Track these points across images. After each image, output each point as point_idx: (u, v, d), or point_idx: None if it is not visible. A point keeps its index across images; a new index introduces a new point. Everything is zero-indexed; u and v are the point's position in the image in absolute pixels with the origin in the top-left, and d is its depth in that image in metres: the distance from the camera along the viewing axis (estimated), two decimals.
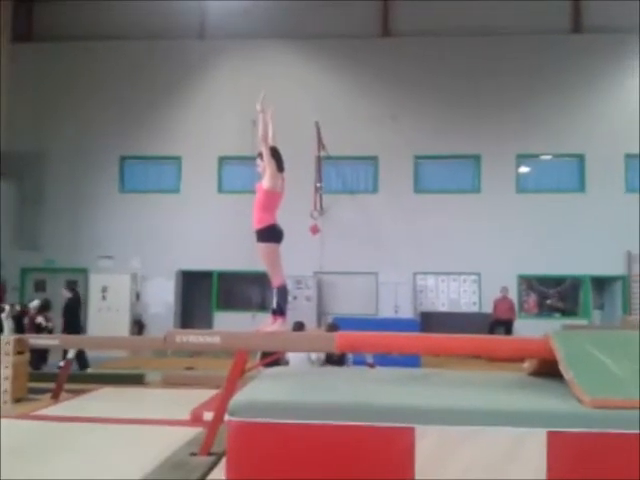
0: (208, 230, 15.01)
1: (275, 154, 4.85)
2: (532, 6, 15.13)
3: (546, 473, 2.81)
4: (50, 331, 11.05)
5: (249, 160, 15.14)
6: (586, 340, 3.51)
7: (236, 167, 15.57)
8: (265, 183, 4.74)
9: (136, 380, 9.48)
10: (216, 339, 4.41)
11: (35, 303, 11.57)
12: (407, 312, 14.37)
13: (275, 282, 4.72)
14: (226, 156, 15.55)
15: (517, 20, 15.20)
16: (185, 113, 15.71)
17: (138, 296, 15.21)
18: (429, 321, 13.73)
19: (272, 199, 4.75)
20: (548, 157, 15.44)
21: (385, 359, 7.22)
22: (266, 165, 4.76)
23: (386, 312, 14.42)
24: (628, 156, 14.79)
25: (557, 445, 2.82)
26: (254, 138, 15.00)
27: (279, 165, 4.82)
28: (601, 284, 15.52)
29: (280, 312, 4.63)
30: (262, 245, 4.68)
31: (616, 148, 14.74)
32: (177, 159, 15.67)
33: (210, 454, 4.68)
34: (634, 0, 14.54)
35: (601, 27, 15.05)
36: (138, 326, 14.93)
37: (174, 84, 15.73)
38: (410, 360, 9.46)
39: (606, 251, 14.40)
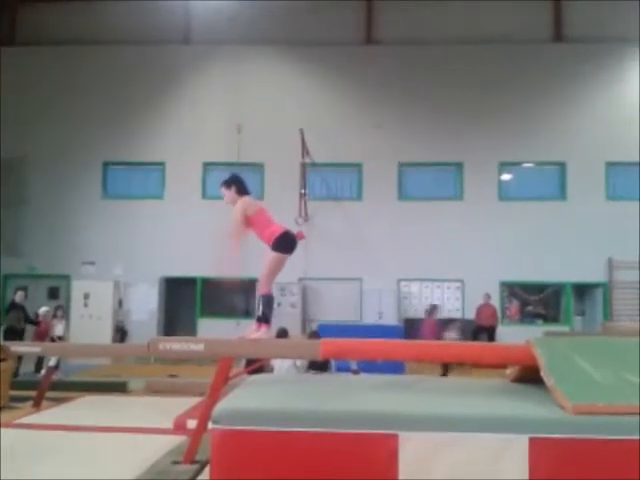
0: (192, 236, 14.94)
1: (236, 181, 4.82)
2: (514, 15, 15.35)
3: (528, 479, 2.84)
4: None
5: (234, 166, 15.23)
6: (567, 346, 3.54)
7: (220, 173, 15.39)
8: (238, 217, 4.70)
9: (118, 388, 9.41)
10: (200, 346, 4.38)
11: (44, 309, 11.59)
12: (391, 318, 14.40)
13: (263, 289, 4.69)
14: (210, 162, 15.53)
15: (499, 29, 15.39)
16: (169, 119, 15.68)
17: (121, 303, 15.09)
18: (413, 327, 13.76)
19: (260, 217, 4.72)
20: (530, 165, 15.62)
21: (369, 365, 7.24)
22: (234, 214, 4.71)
23: (370, 318, 14.45)
24: (609, 164, 15.02)
25: (539, 451, 2.84)
26: (239, 144, 15.16)
27: (244, 189, 4.80)
28: (582, 291, 15.70)
29: (265, 320, 4.61)
30: (273, 253, 4.65)
31: (597, 156, 14.96)
32: (161, 165, 15.62)
33: (193, 462, 4.65)
34: (615, 11, 14.82)
35: (582, 37, 15.30)
36: (120, 333, 14.80)
37: (158, 89, 15.69)
38: (394, 366, 9.48)
39: (587, 258, 14.58)
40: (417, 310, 15.13)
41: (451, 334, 10.77)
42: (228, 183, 4.83)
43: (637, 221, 14.30)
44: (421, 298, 15.24)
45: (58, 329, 11.76)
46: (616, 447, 2.83)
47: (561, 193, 15.23)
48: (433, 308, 12.55)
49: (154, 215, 15.31)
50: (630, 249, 14.36)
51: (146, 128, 15.66)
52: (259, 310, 4.65)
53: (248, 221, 4.69)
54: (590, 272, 14.76)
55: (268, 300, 4.68)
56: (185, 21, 16.06)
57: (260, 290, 4.73)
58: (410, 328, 13.59)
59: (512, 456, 2.83)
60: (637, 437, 2.82)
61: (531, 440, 2.84)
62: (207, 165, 15.59)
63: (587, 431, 2.85)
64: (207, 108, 15.58)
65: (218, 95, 15.62)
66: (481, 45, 15.36)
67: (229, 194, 4.79)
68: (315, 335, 7.60)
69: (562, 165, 15.23)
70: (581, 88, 15.25)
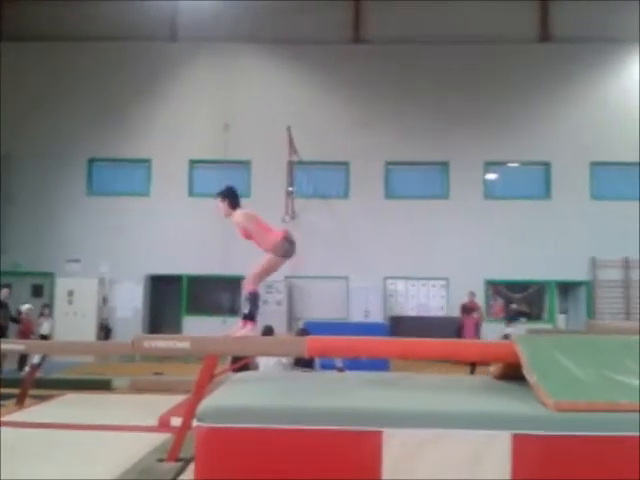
0: (178, 234, 14.89)
1: (230, 194, 4.85)
2: (501, 15, 15.42)
3: (510, 475, 2.87)
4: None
5: (220, 164, 15.20)
6: (550, 344, 3.58)
7: (207, 170, 15.51)
8: (236, 222, 4.75)
9: (103, 386, 9.36)
10: (185, 344, 4.38)
11: (27, 306, 11.47)
12: (377, 316, 14.45)
13: (250, 287, 4.70)
14: (197, 159, 15.47)
15: (486, 29, 15.45)
16: (155, 115, 15.59)
17: (105, 300, 14.99)
18: (398, 325, 13.83)
19: (259, 227, 4.71)
20: (515, 164, 15.73)
21: (354, 363, 7.26)
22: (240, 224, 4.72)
23: (357, 316, 14.48)
24: (593, 164, 15.16)
25: (521, 447, 2.87)
26: (226, 142, 15.11)
27: (237, 203, 4.84)
28: (566, 289, 15.85)
29: (251, 318, 4.61)
30: (271, 255, 4.65)
31: (581, 156, 15.09)
32: (147, 162, 15.53)
33: (178, 460, 4.65)
34: (601, 11, 14.97)
35: (568, 37, 15.42)
36: (105, 331, 14.71)
37: (144, 86, 15.59)
38: (379, 364, 9.51)
39: (571, 257, 14.72)
40: (403, 308, 15.22)
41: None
42: (223, 195, 4.84)
43: (620, 220, 14.47)
44: (407, 296, 15.31)
45: (44, 327, 11.67)
46: (597, 444, 2.87)
47: (546, 192, 15.36)
48: (473, 308, 12.45)
49: (140, 212, 15.22)
50: (613, 248, 14.55)
51: (132, 125, 15.55)
52: (246, 308, 4.65)
53: (248, 233, 4.71)
54: (574, 271, 14.90)
55: (255, 298, 4.69)
56: (171, 18, 15.95)
57: (247, 288, 4.73)
58: (396, 326, 13.65)
59: (495, 452, 2.86)
60: (618, 434, 2.86)
61: (513, 436, 2.87)
62: (193, 162, 15.53)
63: (568, 428, 2.88)
64: (194, 105, 15.51)
65: (205, 92, 15.56)
66: (468, 45, 15.42)
67: (223, 206, 4.84)
68: (304, 332, 7.59)
69: (547, 165, 15.35)
70: (566, 88, 15.38)
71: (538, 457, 2.88)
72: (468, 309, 12.67)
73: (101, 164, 15.74)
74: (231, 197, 4.84)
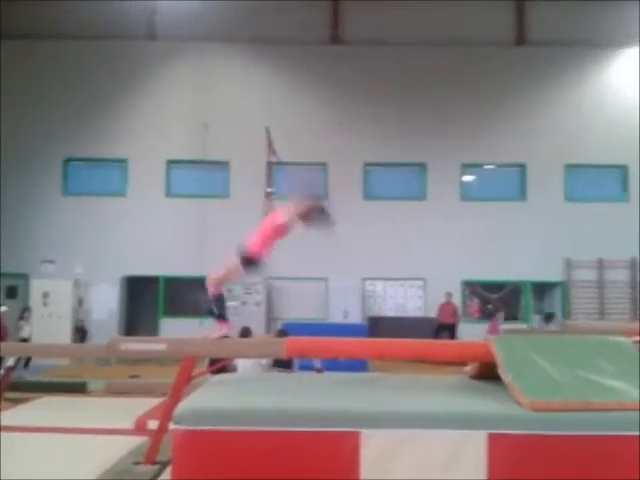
0: (155, 235, 14.77)
1: (317, 213, 4.49)
2: (478, 18, 15.57)
3: (486, 474, 2.89)
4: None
5: (197, 164, 15.11)
6: (525, 344, 3.61)
7: (184, 171, 15.41)
8: (282, 217, 4.49)
9: (78, 388, 9.25)
10: (162, 346, 4.34)
11: (2, 309, 11.26)
12: (356, 317, 14.49)
13: (213, 290, 4.67)
14: (174, 159, 15.35)
15: (464, 31, 15.58)
16: (133, 115, 15.45)
17: (81, 302, 14.80)
18: (377, 326, 13.90)
19: (275, 231, 4.56)
20: (491, 166, 15.89)
21: (333, 364, 7.28)
22: (292, 207, 4.46)
23: (336, 317, 14.49)
24: (567, 166, 15.38)
25: (497, 447, 2.90)
26: (203, 142, 15.02)
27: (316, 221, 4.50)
28: (541, 290, 16.05)
29: (222, 318, 4.59)
30: (235, 262, 4.57)
31: (556, 158, 15.30)
32: (123, 162, 15.37)
33: (155, 463, 4.61)
34: (576, 15, 15.20)
35: (544, 40, 15.60)
36: (81, 333, 14.53)
37: (122, 85, 15.45)
38: (357, 364, 9.54)
39: (546, 258, 14.91)
40: (381, 309, 15.29)
41: None
42: (311, 200, 4.54)
43: (594, 222, 14.72)
44: (385, 297, 15.39)
45: (25, 331, 11.52)
46: (572, 443, 2.91)
47: (521, 194, 15.54)
48: (495, 310, 12.39)
49: (116, 213, 15.06)
50: (587, 249, 14.78)
51: (109, 124, 15.38)
52: (214, 310, 4.63)
53: (281, 225, 4.52)
54: (549, 271, 15.10)
55: (219, 299, 4.66)
56: (149, 17, 15.80)
57: (210, 290, 4.69)
58: (374, 326, 13.71)
59: (471, 451, 2.89)
60: (591, 433, 2.91)
61: (489, 436, 2.90)
62: (171, 163, 15.41)
63: (544, 427, 2.92)
64: (171, 105, 15.39)
65: (183, 92, 15.46)
66: (445, 47, 15.53)
67: (294, 209, 4.48)
68: (282, 333, 7.58)
69: (522, 167, 15.54)
70: (541, 91, 15.58)
71: (513, 456, 2.91)
72: (494, 310, 12.62)
73: (77, 164, 15.55)
74: (317, 214, 4.46)
